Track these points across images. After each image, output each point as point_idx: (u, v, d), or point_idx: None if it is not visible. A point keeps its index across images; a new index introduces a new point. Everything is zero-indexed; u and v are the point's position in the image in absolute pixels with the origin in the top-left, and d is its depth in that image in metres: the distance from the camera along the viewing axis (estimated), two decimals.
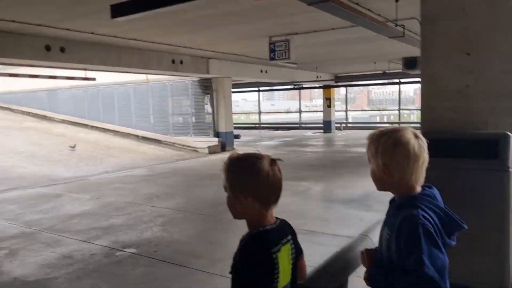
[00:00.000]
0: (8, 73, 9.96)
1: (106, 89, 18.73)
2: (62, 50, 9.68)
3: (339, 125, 24.59)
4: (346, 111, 27.51)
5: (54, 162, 12.33)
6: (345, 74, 22.87)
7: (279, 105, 58.57)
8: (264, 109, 34.17)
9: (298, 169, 10.56)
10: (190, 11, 7.03)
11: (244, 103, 50.13)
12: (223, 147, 15.32)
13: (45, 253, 4.69)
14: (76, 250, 4.76)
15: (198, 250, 4.79)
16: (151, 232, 5.47)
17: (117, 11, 4.72)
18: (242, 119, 34.55)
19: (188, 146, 15.66)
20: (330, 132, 23.01)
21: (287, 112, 41.11)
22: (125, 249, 4.75)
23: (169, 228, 5.71)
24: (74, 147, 13.69)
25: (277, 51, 10.22)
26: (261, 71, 16.85)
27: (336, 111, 24.84)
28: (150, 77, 16.95)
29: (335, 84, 23.50)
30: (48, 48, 9.39)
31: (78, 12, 7.26)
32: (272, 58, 10.35)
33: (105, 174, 10.67)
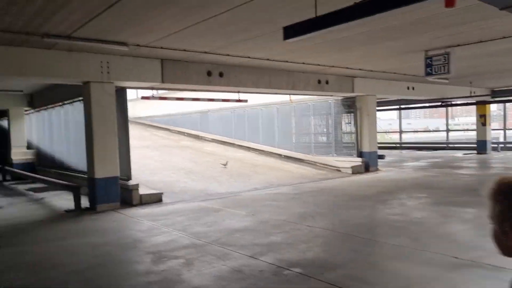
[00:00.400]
0: (176, 97, 11.17)
1: (252, 110, 19.75)
2: (221, 75, 10.49)
3: (495, 145, 21.79)
4: (505, 129, 24.26)
5: (208, 178, 13.33)
6: (503, 88, 20.27)
7: (416, 123, 54.70)
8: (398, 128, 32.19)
9: (458, 193, 9.54)
10: (346, 30, 6.94)
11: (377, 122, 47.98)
12: (366, 168, 14.76)
13: (217, 266, 4.94)
14: (245, 265, 4.91)
15: (367, 277, 4.52)
16: (313, 253, 5.38)
17: (289, 33, 4.84)
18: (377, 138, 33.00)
19: (330, 166, 15.48)
20: (485, 153, 20.50)
21: (425, 131, 38.36)
22: (291, 268, 4.73)
23: (329, 250, 5.56)
24: (226, 164, 14.63)
25: (434, 65, 9.48)
26: (408, 87, 15.91)
27: (492, 129, 22.11)
28: (293, 97, 17.35)
29: (492, 99, 20.95)
30: (209, 73, 10.27)
31: (239, 38, 7.77)
32: (428, 74, 9.63)
33: (254, 191, 11.10)
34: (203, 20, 6.52)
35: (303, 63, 10.72)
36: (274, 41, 8.07)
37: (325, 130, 17.32)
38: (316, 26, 4.52)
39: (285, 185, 12.07)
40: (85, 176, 11.47)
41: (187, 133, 24.08)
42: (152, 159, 15.92)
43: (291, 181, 12.76)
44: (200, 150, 19.67)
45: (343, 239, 6.13)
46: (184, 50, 8.60)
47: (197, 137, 23.26)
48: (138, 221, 7.73)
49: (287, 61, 10.32)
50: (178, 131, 24.77)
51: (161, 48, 8.25)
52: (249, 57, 9.62)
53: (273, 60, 10.09)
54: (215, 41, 7.91)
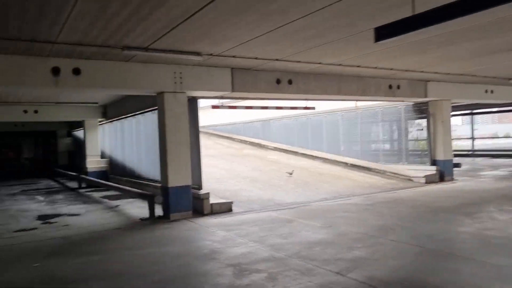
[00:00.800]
0: (244, 105, 11.16)
1: (315, 117, 19.39)
2: (290, 82, 10.30)
3: None
4: None
5: (274, 187, 13.16)
6: None
7: (483, 129, 51.12)
8: (464, 135, 30.12)
9: None
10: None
11: None
12: (441, 177, 13.84)
13: (303, 282, 4.68)
14: (333, 283, 4.62)
15: None
16: (405, 271, 4.97)
17: (382, 33, 4.54)
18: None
19: (401, 175, 14.70)
20: None
21: (493, 137, 35.88)
22: None
23: (423, 268, 5.10)
24: (291, 173, 14.39)
25: None
26: (486, 91, 14.80)
27: None
28: (360, 103, 16.80)
29: None
30: (278, 81, 10.12)
31: (313, 44, 7.53)
32: None
33: (324, 202, 10.74)
34: (279, 27, 6.37)
35: (375, 68, 10.26)
36: (350, 45, 7.77)
37: (394, 137, 16.55)
38: (413, 26, 4.17)
39: (354, 195, 11.58)
40: (156, 184, 11.77)
41: (249, 141, 24.16)
42: (216, 168, 16.05)
43: (360, 191, 12.24)
44: (263, 158, 19.59)
45: (435, 256, 5.63)
46: (256, 58, 8.51)
47: (259, 145, 23.25)
48: (212, 231, 7.68)
49: (359, 66, 9.92)
50: (241, 140, 24.93)
51: (233, 57, 8.22)
52: (320, 63, 9.35)
53: (345, 66, 9.74)
54: (288, 47, 7.74)
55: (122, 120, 15.29)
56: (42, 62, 7.42)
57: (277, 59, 8.73)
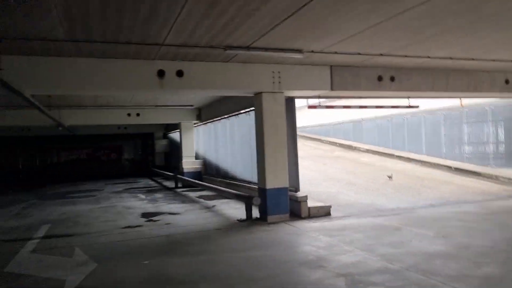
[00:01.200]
0: (342, 105, 10.67)
1: (412, 118, 18.15)
2: (392, 79, 9.59)
3: None
4: None
5: (371, 191, 12.43)
6: None
7: None
8: None
9: None
10: None
11: None
12: None
13: None
14: None
15: None
16: None
17: None
18: None
19: None
20: None
21: None
22: None
23: None
24: (391, 176, 13.53)
25: None
26: None
27: None
28: (465, 101, 15.32)
29: None
30: (380, 78, 9.47)
31: (427, 34, 6.82)
32: None
33: (431, 208, 9.84)
34: (391, 17, 5.84)
35: (493, 60, 9.13)
36: (469, 35, 6.92)
37: (509, 138, 14.80)
38: None
39: (465, 202, 10.47)
40: (250, 185, 11.75)
41: (338, 143, 23.44)
42: (307, 169, 15.67)
43: (471, 198, 11.06)
44: (355, 160, 18.80)
45: None
46: (358, 54, 8.00)
47: (349, 147, 22.43)
48: (313, 235, 7.32)
49: (472, 59, 8.90)
50: (329, 141, 24.29)
51: (335, 53, 7.79)
52: (428, 57, 8.54)
53: (456, 59, 8.79)
54: (398, 40, 7.12)
55: (216, 122, 15.61)
56: (149, 65, 7.67)
57: (381, 54, 8.12)
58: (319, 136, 25.70)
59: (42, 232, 8.54)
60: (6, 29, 5.74)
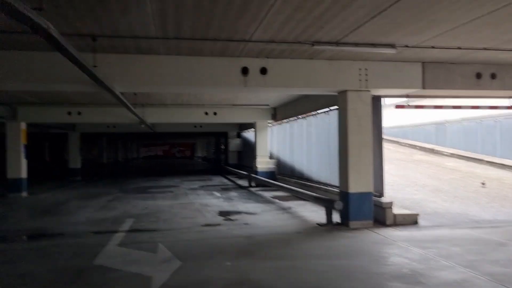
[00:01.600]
0: (434, 105, 9.86)
1: (507, 120, 16.50)
2: (493, 76, 8.66)
3: None
4: None
5: (462, 199, 11.41)
6: None
7: None
8: None
9: None
10: None
11: None
12: None
13: None
14: None
15: None
16: None
17: None
18: None
19: None
20: None
21: None
22: None
23: None
24: (484, 184, 12.35)
25: None
26: None
27: None
28: None
29: None
30: (478, 75, 8.60)
31: None
32: None
33: None
34: (506, 5, 5.14)
35: None
36: None
37: None
38: None
39: None
40: (327, 187, 11.32)
41: (419, 146, 22.07)
42: (388, 173, 14.65)
43: None
44: (439, 165, 17.52)
45: None
46: (458, 48, 7.26)
47: (431, 150, 21.02)
48: (403, 246, 6.75)
49: None
50: (409, 144, 22.97)
51: (432, 47, 7.13)
52: None
53: None
54: (506, 33, 6.32)
55: (292, 121, 15.32)
56: (234, 62, 7.58)
57: (485, 48, 7.30)
58: (396, 138, 24.41)
59: (127, 226, 8.81)
60: (102, 28, 5.90)
